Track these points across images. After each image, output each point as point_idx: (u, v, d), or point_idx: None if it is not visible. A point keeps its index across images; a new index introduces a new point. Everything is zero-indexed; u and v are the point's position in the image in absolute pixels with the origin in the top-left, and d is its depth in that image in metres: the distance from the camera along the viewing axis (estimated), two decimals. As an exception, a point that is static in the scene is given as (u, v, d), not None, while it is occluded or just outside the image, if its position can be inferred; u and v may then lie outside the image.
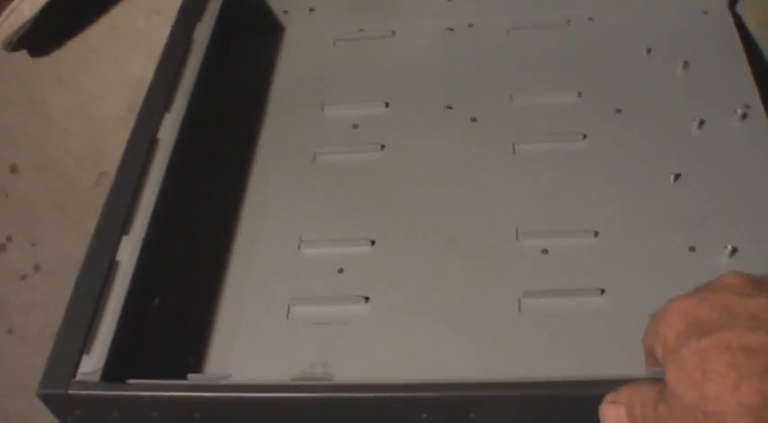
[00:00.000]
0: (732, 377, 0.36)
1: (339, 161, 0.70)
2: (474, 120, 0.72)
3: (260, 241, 0.66)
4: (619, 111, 0.71)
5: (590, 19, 0.79)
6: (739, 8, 0.78)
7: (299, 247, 0.65)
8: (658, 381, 0.42)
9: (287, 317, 0.61)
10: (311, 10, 0.80)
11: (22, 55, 0.97)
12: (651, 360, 0.45)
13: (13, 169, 1.02)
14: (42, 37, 0.94)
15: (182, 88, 0.66)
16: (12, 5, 0.88)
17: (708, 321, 0.39)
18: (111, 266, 0.56)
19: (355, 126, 0.73)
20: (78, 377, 0.51)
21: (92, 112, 0.93)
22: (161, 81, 0.67)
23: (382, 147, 0.70)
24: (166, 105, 0.65)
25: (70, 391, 0.50)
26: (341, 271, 0.63)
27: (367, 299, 0.61)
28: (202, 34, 0.71)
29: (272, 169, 0.71)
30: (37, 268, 0.95)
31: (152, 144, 0.62)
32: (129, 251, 0.57)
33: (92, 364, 0.51)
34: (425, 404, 0.49)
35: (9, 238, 0.95)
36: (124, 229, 0.58)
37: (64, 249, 0.95)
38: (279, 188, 0.69)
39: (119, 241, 0.57)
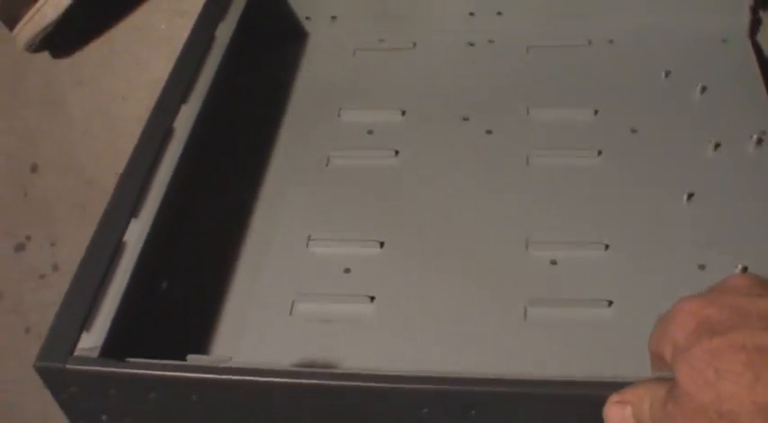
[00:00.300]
0: (748, 377, 0.36)
1: (353, 165, 0.70)
2: (489, 132, 0.72)
3: (269, 238, 0.66)
4: (634, 131, 0.71)
5: (611, 41, 0.79)
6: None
7: (307, 245, 0.65)
8: (666, 381, 0.41)
9: (290, 313, 0.61)
10: (333, 18, 0.81)
11: (44, 56, 0.98)
12: (657, 363, 0.44)
13: (34, 169, 1.03)
14: (64, 38, 0.95)
15: (200, 82, 0.67)
16: (35, 7, 0.88)
17: (719, 321, 0.38)
18: (118, 247, 0.56)
19: (370, 132, 0.73)
20: (77, 353, 0.51)
21: (112, 113, 0.94)
22: (180, 74, 0.67)
23: (396, 153, 0.71)
24: (184, 97, 0.66)
25: (68, 366, 0.50)
26: (347, 271, 0.63)
27: (372, 298, 0.61)
28: (224, 33, 0.72)
29: (285, 169, 0.71)
30: (55, 268, 0.95)
31: (167, 133, 0.63)
32: (137, 233, 0.57)
33: (92, 340, 0.51)
34: (426, 397, 0.48)
35: (28, 238, 0.95)
36: (133, 212, 0.58)
37: (83, 249, 0.95)
38: (291, 188, 0.69)
39: (127, 223, 0.57)
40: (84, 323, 0.52)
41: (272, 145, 0.73)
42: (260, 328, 0.60)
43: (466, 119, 0.73)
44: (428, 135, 0.72)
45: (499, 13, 0.80)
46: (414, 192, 0.68)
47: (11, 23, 0.91)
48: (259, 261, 0.64)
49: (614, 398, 0.45)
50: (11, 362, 0.96)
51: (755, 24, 0.77)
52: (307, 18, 0.82)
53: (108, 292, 0.54)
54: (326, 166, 0.71)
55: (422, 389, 0.48)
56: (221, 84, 0.69)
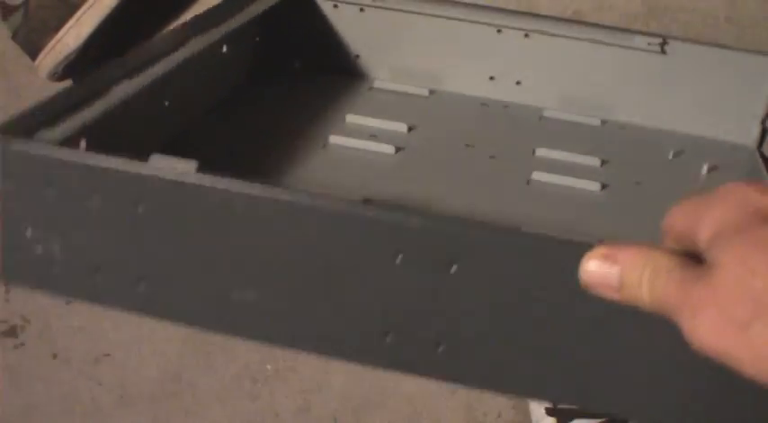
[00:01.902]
0: None
1: (351, 152, 0.68)
2: (492, 157, 0.71)
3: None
4: (639, 183, 0.70)
5: (622, 127, 0.80)
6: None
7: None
8: (676, 254, 0.37)
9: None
10: (357, 57, 0.82)
11: (67, 85, 0.98)
12: (672, 243, 0.40)
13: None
14: (87, 66, 0.95)
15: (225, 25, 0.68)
16: (56, 37, 0.89)
17: None
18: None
19: (373, 136, 0.71)
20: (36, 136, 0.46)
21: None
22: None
23: (397, 150, 0.69)
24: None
25: (13, 147, 0.45)
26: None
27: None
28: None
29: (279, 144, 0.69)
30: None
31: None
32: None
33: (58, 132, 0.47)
34: (402, 237, 0.43)
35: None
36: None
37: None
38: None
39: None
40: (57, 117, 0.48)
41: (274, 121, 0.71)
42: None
43: (470, 146, 0.72)
44: (431, 148, 0.71)
45: (518, 83, 0.81)
46: (410, 183, 0.66)
47: (33, 54, 0.92)
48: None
49: (602, 250, 0.39)
50: (38, 387, 0.99)
51: (764, 135, 0.79)
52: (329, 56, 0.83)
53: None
54: (323, 147, 0.68)
55: (398, 222, 0.43)
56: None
